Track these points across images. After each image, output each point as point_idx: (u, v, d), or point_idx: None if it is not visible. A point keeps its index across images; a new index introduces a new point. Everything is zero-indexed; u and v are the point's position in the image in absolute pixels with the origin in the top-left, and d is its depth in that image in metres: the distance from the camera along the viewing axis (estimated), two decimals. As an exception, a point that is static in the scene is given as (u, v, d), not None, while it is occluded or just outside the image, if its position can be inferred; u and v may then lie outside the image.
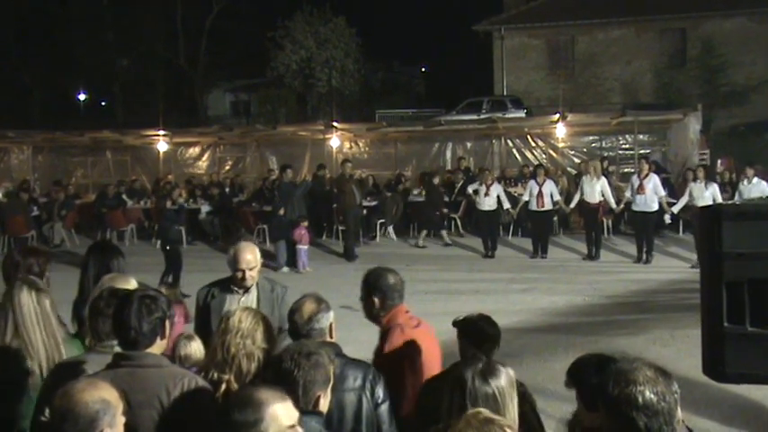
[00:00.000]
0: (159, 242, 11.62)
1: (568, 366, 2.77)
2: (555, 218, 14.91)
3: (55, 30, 31.66)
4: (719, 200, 11.71)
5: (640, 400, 2.04)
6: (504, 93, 26.07)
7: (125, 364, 2.62)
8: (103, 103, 37.80)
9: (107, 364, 2.67)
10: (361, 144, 20.18)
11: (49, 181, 19.41)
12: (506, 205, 13.84)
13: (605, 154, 18.29)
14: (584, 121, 18.10)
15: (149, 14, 31.97)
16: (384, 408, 2.96)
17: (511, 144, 19.32)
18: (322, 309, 3.04)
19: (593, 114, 19.42)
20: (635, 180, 12.73)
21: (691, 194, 12.19)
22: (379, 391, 2.96)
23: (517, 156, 19.07)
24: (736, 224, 2.72)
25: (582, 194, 13.17)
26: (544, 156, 18.83)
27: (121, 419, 2.23)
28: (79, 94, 36.77)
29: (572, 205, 13.69)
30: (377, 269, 3.79)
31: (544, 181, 13.57)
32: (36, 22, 31.62)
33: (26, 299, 3.14)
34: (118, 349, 2.75)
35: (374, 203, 16.01)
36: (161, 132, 19.08)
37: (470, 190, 14.08)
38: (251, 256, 4.13)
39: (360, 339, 8.41)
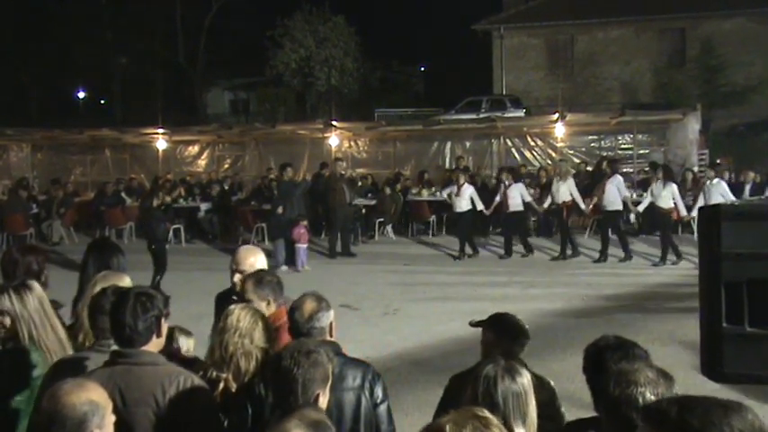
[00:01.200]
0: (147, 242, 11.62)
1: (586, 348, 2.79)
2: (534, 218, 15.08)
3: (54, 28, 31.62)
4: (678, 199, 12.51)
5: (641, 401, 2.05)
6: (504, 92, 26.08)
7: (122, 362, 2.62)
8: (102, 102, 37.76)
9: (104, 362, 2.67)
10: (360, 143, 20.18)
11: (47, 179, 19.39)
12: (479, 206, 13.64)
13: (604, 153, 18.31)
14: (584, 120, 18.11)
15: (148, 13, 31.95)
16: (383, 408, 2.96)
17: (510, 143, 19.32)
18: (322, 307, 3.03)
19: (592, 114, 19.42)
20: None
21: (651, 193, 12.69)
22: (378, 391, 2.95)
23: (516, 155, 19.08)
24: (735, 224, 2.72)
25: (552, 196, 13.46)
26: (543, 155, 18.85)
27: (111, 419, 2.21)
28: (78, 92, 36.74)
29: (545, 206, 13.75)
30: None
31: (510, 184, 13.55)
32: (35, 20, 31.57)
33: (31, 300, 3.15)
34: (115, 347, 2.75)
35: (373, 202, 16.00)
36: (160, 131, 19.08)
37: (445, 195, 13.92)
38: (248, 258, 3.87)
39: (359, 338, 8.46)
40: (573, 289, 10.75)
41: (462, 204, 13.44)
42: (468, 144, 19.58)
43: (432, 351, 7.73)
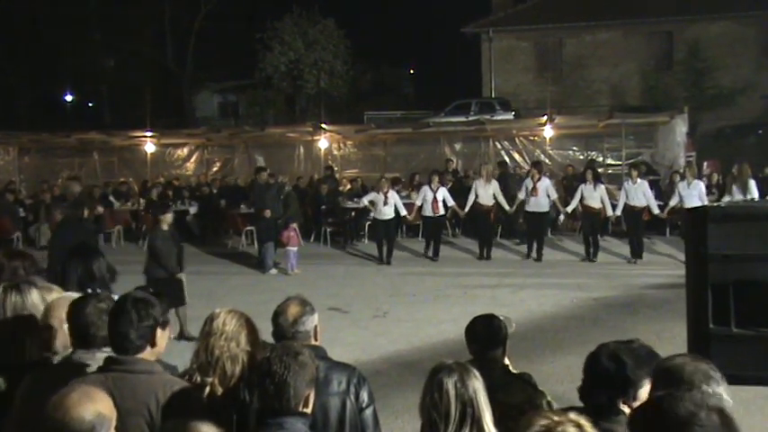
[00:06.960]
0: None
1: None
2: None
3: (42, 30, 31.40)
4: (610, 201, 13.10)
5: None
6: (493, 95, 26.15)
7: (116, 369, 2.59)
8: (90, 105, 37.53)
9: (99, 367, 2.64)
10: (349, 145, 20.18)
11: (35, 182, 19.25)
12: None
13: (592, 156, 18.40)
14: (572, 123, 18.18)
15: (137, 15, 31.79)
16: (368, 411, 2.94)
17: (499, 146, 19.37)
18: (307, 311, 3.00)
19: (580, 116, 19.52)
20: (528, 182, 13.34)
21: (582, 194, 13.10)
22: (364, 395, 2.93)
23: (506, 157, 19.13)
24: (722, 226, 2.73)
25: (476, 197, 13.41)
26: (532, 158, 18.88)
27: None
28: (66, 95, 36.50)
29: (466, 209, 13.56)
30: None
31: (438, 187, 13.36)
32: (21, 22, 31.34)
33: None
34: (110, 353, 2.73)
35: (362, 205, 15.94)
36: (148, 134, 18.99)
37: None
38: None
39: (348, 341, 8.44)
40: (562, 291, 10.76)
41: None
42: (457, 147, 19.62)
43: (422, 353, 7.71)
